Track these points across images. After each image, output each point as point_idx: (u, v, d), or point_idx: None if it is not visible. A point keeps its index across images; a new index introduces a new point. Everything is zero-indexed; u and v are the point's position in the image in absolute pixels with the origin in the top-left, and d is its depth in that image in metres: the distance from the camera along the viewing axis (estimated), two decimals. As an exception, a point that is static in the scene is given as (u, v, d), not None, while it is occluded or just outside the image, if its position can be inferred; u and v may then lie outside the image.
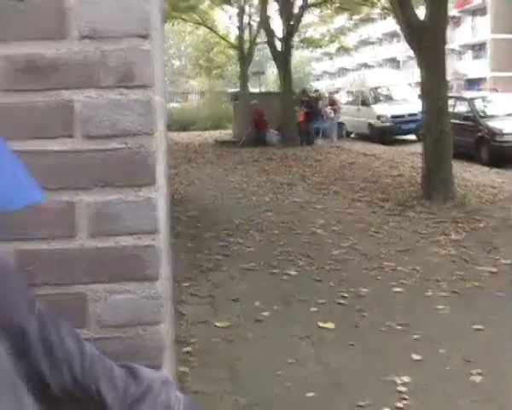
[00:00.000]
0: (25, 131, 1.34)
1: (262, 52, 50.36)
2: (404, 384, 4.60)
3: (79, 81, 1.36)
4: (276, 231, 9.43)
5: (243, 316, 6.03)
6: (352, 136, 28.19)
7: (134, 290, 1.43)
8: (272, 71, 53.29)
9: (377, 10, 32.45)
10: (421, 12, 12.63)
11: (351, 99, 30.09)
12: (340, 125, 27.15)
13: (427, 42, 11.47)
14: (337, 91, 36.25)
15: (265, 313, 6.07)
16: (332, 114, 26.10)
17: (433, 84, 11.75)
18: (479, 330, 5.64)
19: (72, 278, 1.41)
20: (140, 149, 1.38)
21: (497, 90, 28.87)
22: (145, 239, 1.41)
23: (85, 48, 1.36)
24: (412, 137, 24.42)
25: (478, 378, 4.70)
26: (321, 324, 5.80)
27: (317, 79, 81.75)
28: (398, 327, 5.71)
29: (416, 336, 5.49)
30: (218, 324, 5.81)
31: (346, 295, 6.58)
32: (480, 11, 55.88)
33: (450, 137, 11.80)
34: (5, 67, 1.35)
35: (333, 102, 27.00)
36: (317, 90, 32.13)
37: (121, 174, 1.39)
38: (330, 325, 5.77)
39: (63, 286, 1.40)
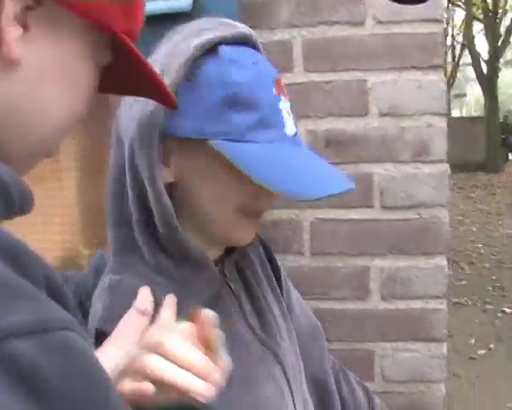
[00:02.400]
0: (329, 200, 1.47)
1: (462, 73, 49.18)
2: None
3: (378, 155, 1.47)
4: (486, 263, 9.18)
5: (456, 352, 5.93)
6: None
7: (420, 350, 1.51)
8: (473, 93, 51.85)
9: None
10: None
11: None
12: None
13: None
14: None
15: (480, 352, 5.92)
16: None
17: None
18: None
19: (363, 335, 1.51)
20: (434, 220, 1.47)
21: None
22: (433, 303, 1.49)
23: (384, 124, 1.47)
24: None
25: None
26: (542, 368, 5.59)
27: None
28: None
29: None
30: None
31: None
32: None
33: None
34: (309, 140, 1.49)
35: None
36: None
37: (414, 242, 1.48)
38: (553, 370, 5.54)
39: (354, 343, 1.51)
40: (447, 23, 35.23)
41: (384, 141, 1.47)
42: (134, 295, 0.83)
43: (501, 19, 24.55)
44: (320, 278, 1.48)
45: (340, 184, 0.92)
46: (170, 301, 0.84)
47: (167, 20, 1.13)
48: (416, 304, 1.50)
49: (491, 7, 24.33)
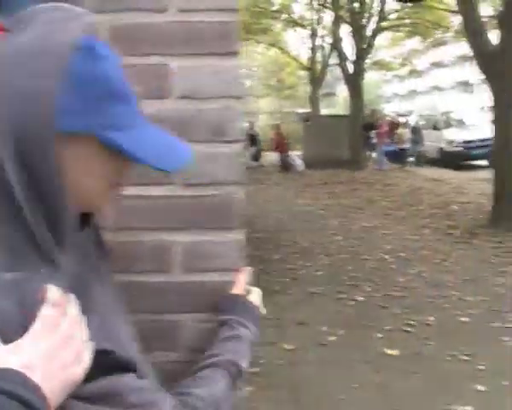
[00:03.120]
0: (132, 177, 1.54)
1: (332, 73, 50.52)
2: (466, 414, 4.68)
3: (178, 136, 1.55)
4: (343, 255, 9.53)
5: (308, 339, 6.16)
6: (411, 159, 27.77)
7: (220, 321, 1.60)
8: (342, 92, 53.31)
9: (450, 34, 32.19)
10: (494, 35, 12.52)
11: (422, 123, 29.94)
12: (402, 151, 26.09)
13: (499, 68, 11.29)
14: (408, 114, 36.07)
15: (330, 338, 6.18)
16: (374, 140, 25.71)
17: (504, 112, 11.53)
18: (544, 363, 5.64)
19: (166, 307, 1.59)
20: (230, 197, 1.57)
21: None
22: (231, 276, 1.59)
23: (184, 107, 1.56)
24: (483, 162, 24.10)
25: (541, 411, 4.73)
26: (386, 350, 5.88)
27: (387, 102, 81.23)
28: (463, 357, 5.74)
29: (480, 367, 5.52)
30: (285, 346, 5.95)
31: (412, 322, 6.63)
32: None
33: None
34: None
35: (377, 127, 26.41)
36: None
37: (213, 218, 1.58)
38: (395, 352, 5.85)
39: (157, 314, 1.59)
40: (317, 24, 36.08)
41: (183, 123, 1.56)
42: (41, 291, 0.90)
43: (367, 22, 25.39)
44: (123, 252, 1.55)
45: (187, 153, 1.13)
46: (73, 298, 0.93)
47: None
48: (216, 277, 1.59)
49: (357, 10, 25.14)
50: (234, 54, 1.56)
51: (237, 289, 1.55)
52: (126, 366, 1.04)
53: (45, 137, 0.95)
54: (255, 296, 1.59)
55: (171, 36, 1.56)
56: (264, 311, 1.61)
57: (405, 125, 28.16)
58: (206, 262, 1.59)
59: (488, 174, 12.48)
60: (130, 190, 1.49)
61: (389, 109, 51.13)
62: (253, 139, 26.41)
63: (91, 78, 0.98)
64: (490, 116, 14.74)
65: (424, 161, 26.41)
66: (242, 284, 1.57)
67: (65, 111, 0.96)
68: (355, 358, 5.71)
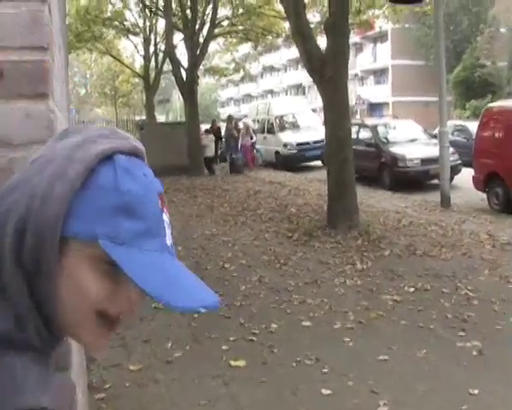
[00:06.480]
0: None
1: (169, 80, 50.40)
2: (313, 420, 4.77)
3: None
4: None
5: (154, 358, 6.06)
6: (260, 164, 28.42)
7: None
8: (179, 97, 53.45)
9: (281, 39, 33.03)
10: (322, 41, 12.85)
11: (257, 127, 30.53)
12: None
13: (329, 74, 11.54)
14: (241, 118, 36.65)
15: (177, 354, 6.10)
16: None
17: (335, 115, 11.80)
18: (384, 360, 5.83)
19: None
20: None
21: (398, 117, 29.69)
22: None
23: (-6, 154, 1.43)
24: (318, 163, 24.94)
25: (384, 409, 4.87)
26: (232, 362, 5.88)
27: (223, 106, 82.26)
28: (308, 362, 5.85)
29: (325, 370, 5.64)
30: (130, 367, 5.81)
31: (256, 331, 6.67)
32: (380, 38, 57.74)
33: (353, 166, 12.01)
34: None
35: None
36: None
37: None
38: (241, 363, 5.85)
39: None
40: (150, 31, 36.00)
41: (-6, 171, 1.43)
42: None
43: (200, 29, 25.52)
44: None
45: (208, 297, 1.01)
46: None
47: None
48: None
49: (190, 17, 25.24)
50: (45, 96, 1.45)
51: None
52: None
53: (47, 238, 0.92)
54: None
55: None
56: None
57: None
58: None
59: (324, 175, 12.83)
60: None
61: (225, 113, 51.86)
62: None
63: (110, 187, 0.96)
64: (322, 118, 15.12)
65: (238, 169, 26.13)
66: None
67: (72, 215, 0.94)
68: (202, 372, 5.66)
